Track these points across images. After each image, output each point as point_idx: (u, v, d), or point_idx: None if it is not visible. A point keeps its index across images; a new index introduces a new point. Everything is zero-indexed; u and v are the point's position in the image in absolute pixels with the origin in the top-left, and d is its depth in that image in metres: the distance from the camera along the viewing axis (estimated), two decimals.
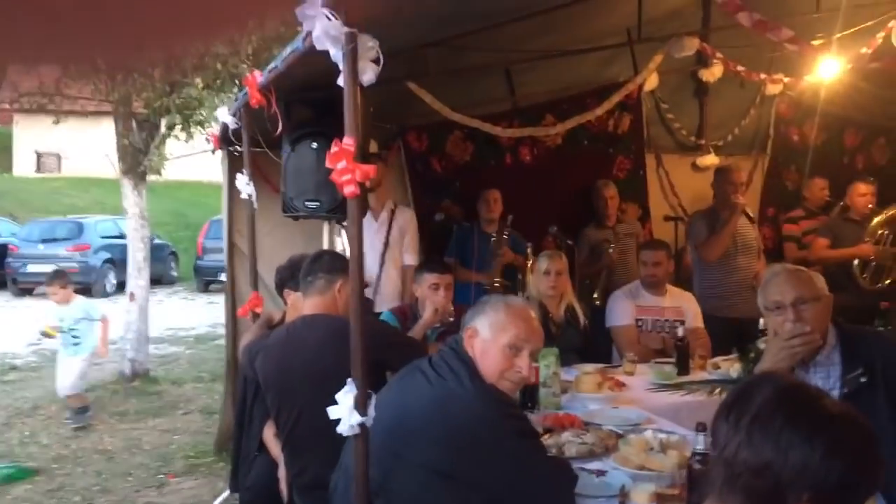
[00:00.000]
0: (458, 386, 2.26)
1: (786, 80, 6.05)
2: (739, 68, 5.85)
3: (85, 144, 23.10)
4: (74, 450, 6.33)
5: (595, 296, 5.46)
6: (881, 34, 4.56)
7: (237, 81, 7.55)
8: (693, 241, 5.57)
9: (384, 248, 5.22)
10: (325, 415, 2.12)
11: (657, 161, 6.60)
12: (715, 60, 5.92)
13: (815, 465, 1.25)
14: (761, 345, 3.44)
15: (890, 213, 5.71)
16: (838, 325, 2.64)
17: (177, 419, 7.20)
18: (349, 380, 2.08)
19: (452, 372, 2.30)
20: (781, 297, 2.60)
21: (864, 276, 5.66)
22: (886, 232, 5.71)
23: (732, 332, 4.89)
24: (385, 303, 5.04)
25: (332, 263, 3.17)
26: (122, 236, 12.98)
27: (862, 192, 5.74)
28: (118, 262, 14.85)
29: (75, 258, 16.13)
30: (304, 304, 3.22)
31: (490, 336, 2.37)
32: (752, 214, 5.61)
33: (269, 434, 3.35)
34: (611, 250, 5.75)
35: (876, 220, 5.68)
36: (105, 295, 16.01)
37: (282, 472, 3.18)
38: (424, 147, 5.88)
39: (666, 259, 4.74)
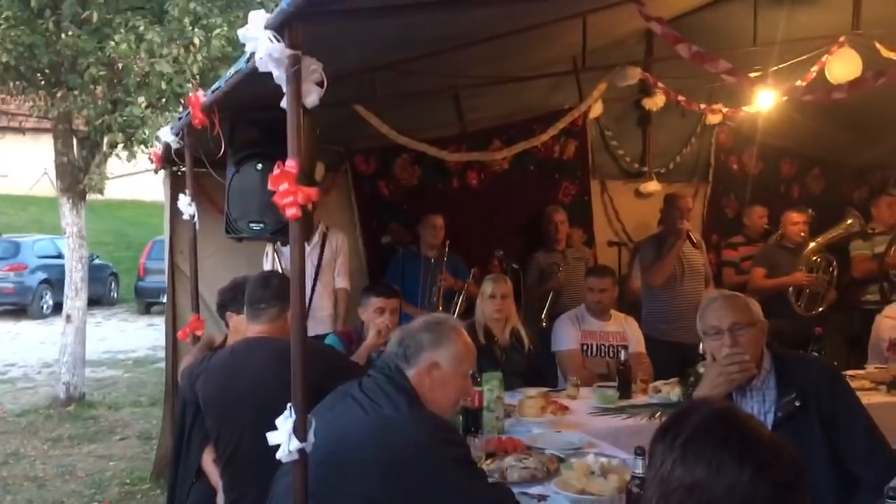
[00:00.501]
0: (395, 413, 2.24)
1: (725, 110, 6.22)
2: (680, 98, 6.00)
3: (23, 162, 22.51)
4: (4, 477, 6.10)
5: (542, 318, 5.49)
6: (815, 68, 4.72)
7: (182, 101, 7.47)
8: (641, 266, 5.69)
9: (316, 272, 5.20)
10: (266, 440, 2.09)
11: (601, 187, 6.71)
12: (657, 90, 6.06)
13: (743, 484, 1.30)
14: (701, 369, 3.50)
15: (821, 241, 5.90)
16: (773, 350, 2.71)
17: (113, 445, 7.00)
18: (289, 405, 2.06)
19: (388, 398, 2.26)
20: (718, 323, 2.66)
21: (799, 303, 5.83)
22: (819, 259, 5.89)
23: (677, 356, 4.97)
24: (318, 327, 5.02)
25: (283, 289, 3.11)
26: (60, 256, 12.65)
27: (794, 221, 5.92)
28: (55, 282, 14.44)
29: (10, 278, 15.67)
30: (249, 328, 3.17)
31: (452, 368, 2.39)
32: (696, 240, 5.73)
33: (208, 460, 3.28)
34: (558, 274, 5.82)
35: (809, 247, 5.86)
36: (41, 316, 15.58)
37: (220, 500, 3.11)
38: (372, 170, 5.89)
39: (612, 285, 4.81)
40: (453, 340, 2.41)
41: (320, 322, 5.15)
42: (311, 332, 4.75)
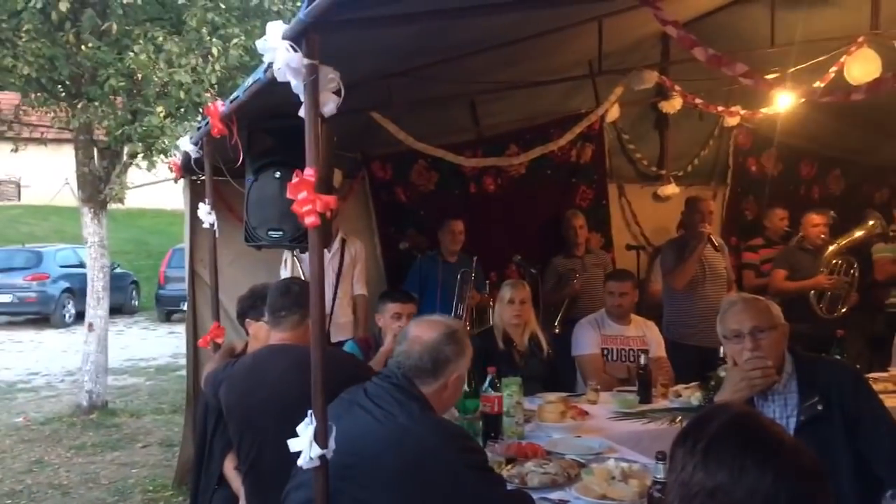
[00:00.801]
0: (410, 421, 2.23)
1: (743, 112, 6.18)
2: (698, 100, 5.97)
3: (45, 172, 22.76)
4: (29, 485, 6.16)
5: (556, 324, 5.48)
6: (833, 69, 4.68)
7: (200, 110, 7.53)
8: (662, 269, 5.66)
9: (337, 279, 5.24)
10: (289, 447, 2.10)
11: (619, 191, 6.70)
12: (674, 93, 6.04)
13: (765, 488, 1.30)
14: (721, 373, 3.48)
15: (842, 243, 5.84)
16: (795, 353, 2.69)
17: (135, 452, 7.05)
18: (310, 411, 2.06)
19: (400, 406, 2.26)
20: (739, 326, 2.63)
21: (821, 305, 5.77)
22: (840, 262, 5.82)
23: (698, 360, 4.95)
24: (339, 333, 5.08)
25: (304, 297, 3.12)
26: (81, 265, 12.77)
27: (815, 223, 5.86)
28: (77, 291, 14.60)
29: (33, 288, 15.84)
30: (272, 335, 3.18)
31: (465, 372, 2.45)
32: (717, 243, 5.68)
33: (230, 467, 3.29)
34: (575, 280, 5.80)
35: (830, 249, 5.80)
36: (64, 325, 15.73)
37: None
38: (389, 176, 5.91)
39: (632, 289, 4.79)
40: (468, 346, 2.45)
41: (341, 328, 5.20)
42: (333, 339, 4.84)
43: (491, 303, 5.26)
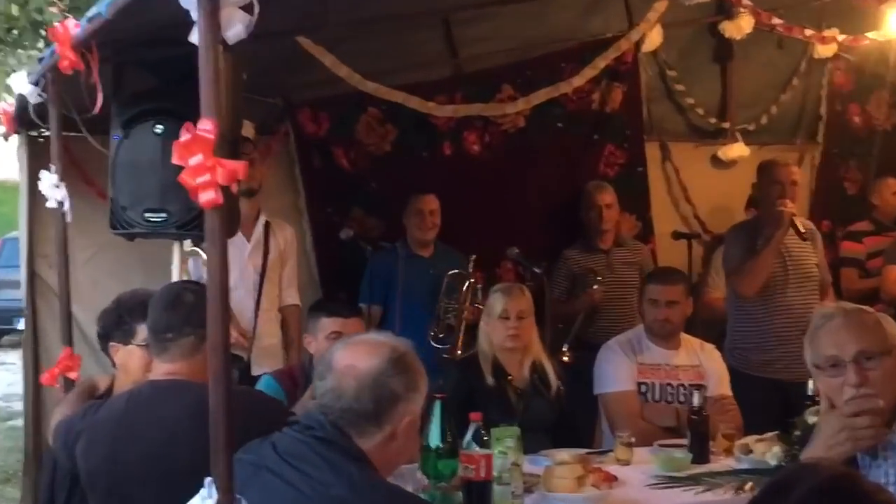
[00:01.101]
0: (348, 490, 2.22)
1: (841, 37, 6.23)
2: (776, 20, 6.00)
3: None
4: None
5: (564, 349, 5.47)
6: None
7: (42, 34, 7.47)
8: (725, 268, 5.67)
9: (261, 281, 5.22)
10: None
11: (663, 152, 6.75)
12: (742, 10, 6.07)
13: None
14: (811, 418, 3.52)
15: None
16: None
17: None
18: (207, 479, 2.06)
19: (332, 470, 2.25)
20: (838, 351, 2.66)
21: None
22: None
23: (775, 399, 4.99)
24: (265, 361, 5.08)
25: (201, 310, 3.10)
26: None
27: None
28: None
29: None
30: (154, 367, 3.18)
31: (418, 412, 2.44)
32: (803, 229, 5.66)
33: None
34: (595, 287, 5.81)
35: None
36: None
37: None
38: (324, 131, 5.90)
39: (683, 296, 4.80)
40: (422, 376, 2.44)
41: (268, 354, 5.22)
42: (257, 370, 4.83)
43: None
